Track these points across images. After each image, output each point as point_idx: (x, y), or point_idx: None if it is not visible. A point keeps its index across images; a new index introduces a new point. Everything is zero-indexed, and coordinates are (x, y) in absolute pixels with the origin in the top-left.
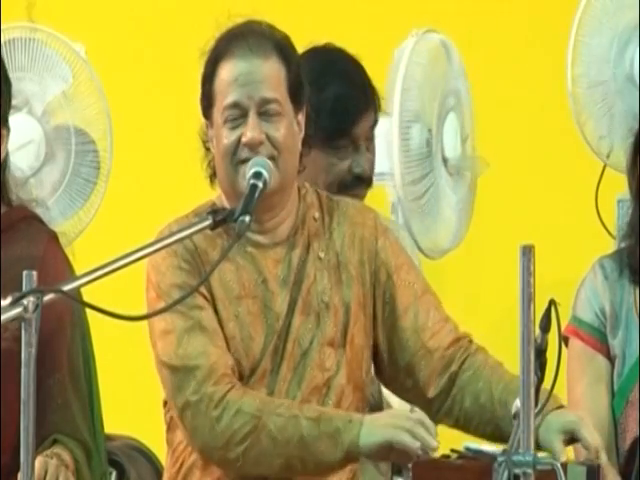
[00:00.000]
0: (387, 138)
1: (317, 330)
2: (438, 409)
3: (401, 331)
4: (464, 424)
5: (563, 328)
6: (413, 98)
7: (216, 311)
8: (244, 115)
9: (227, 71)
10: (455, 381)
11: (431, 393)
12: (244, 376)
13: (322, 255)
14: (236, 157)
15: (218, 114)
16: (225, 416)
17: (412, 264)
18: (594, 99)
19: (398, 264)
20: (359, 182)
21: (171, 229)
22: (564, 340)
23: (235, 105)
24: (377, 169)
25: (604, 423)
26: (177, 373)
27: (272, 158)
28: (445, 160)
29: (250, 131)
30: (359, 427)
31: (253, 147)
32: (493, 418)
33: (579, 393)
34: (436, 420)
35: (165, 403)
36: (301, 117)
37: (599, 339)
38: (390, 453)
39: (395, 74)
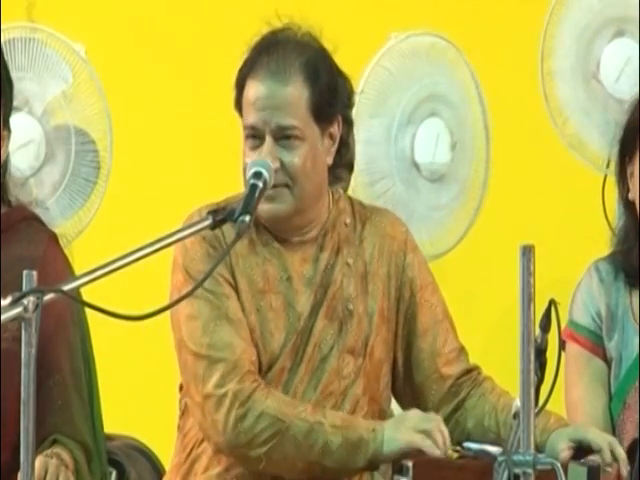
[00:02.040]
0: None
1: (339, 337)
2: None
3: (418, 351)
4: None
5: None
6: (369, 102)
7: (239, 302)
8: (262, 137)
9: (249, 91)
10: (462, 405)
11: None
12: (261, 370)
13: (350, 262)
14: None
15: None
16: (250, 416)
17: (436, 286)
18: (568, 99)
19: (424, 284)
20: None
21: (201, 214)
22: (561, 345)
23: (252, 127)
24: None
25: (602, 426)
26: (201, 361)
27: (286, 186)
28: (416, 165)
29: (263, 157)
30: (382, 436)
31: None
32: (497, 440)
33: (577, 396)
34: None
35: (181, 387)
36: (333, 130)
37: (595, 342)
38: (407, 454)
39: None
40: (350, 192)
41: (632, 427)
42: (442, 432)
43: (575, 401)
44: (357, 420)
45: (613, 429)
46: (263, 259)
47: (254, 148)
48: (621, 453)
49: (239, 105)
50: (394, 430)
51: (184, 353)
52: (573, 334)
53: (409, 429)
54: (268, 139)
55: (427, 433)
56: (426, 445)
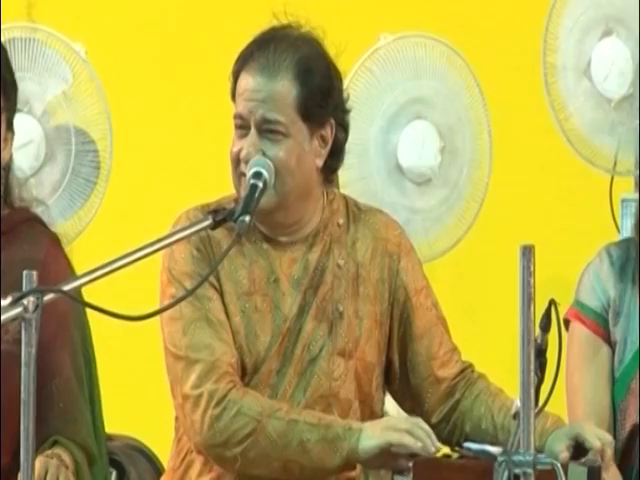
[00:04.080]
0: None
1: (328, 339)
2: (439, 434)
3: (414, 354)
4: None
5: (565, 311)
6: (352, 103)
7: (223, 304)
8: (248, 127)
9: (240, 83)
10: (457, 407)
11: (434, 419)
12: (247, 372)
13: (342, 263)
14: (239, 168)
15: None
16: (225, 416)
17: (430, 288)
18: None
19: (418, 287)
20: None
21: (189, 216)
22: (564, 323)
23: (240, 117)
24: None
25: (604, 413)
26: (179, 362)
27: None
28: (400, 168)
29: (246, 147)
30: (359, 434)
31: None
32: (495, 443)
33: (579, 380)
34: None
35: None
36: (325, 133)
37: (601, 324)
38: (388, 459)
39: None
40: None
41: (635, 412)
42: (423, 429)
43: (577, 386)
44: (333, 418)
45: (615, 416)
46: (250, 260)
47: (240, 137)
48: (610, 456)
49: (234, 95)
50: (371, 429)
51: (166, 354)
52: (579, 314)
53: (387, 428)
54: (252, 130)
55: (407, 430)
56: (405, 440)
